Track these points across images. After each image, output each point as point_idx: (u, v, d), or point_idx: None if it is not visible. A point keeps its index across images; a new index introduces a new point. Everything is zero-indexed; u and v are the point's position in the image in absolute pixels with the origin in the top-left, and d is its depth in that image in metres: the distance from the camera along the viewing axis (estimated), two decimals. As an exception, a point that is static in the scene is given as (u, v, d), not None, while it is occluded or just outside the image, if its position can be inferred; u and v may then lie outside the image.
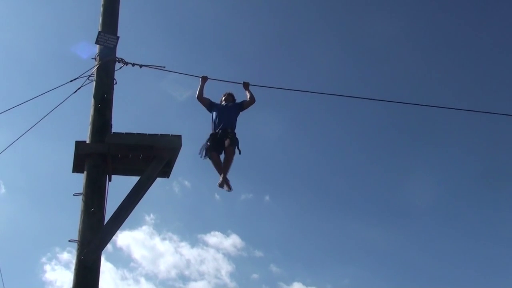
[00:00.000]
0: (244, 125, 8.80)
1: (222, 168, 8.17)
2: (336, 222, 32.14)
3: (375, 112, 31.64)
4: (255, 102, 8.59)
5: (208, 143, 8.34)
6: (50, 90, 7.49)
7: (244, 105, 8.61)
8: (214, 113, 8.58)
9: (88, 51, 7.49)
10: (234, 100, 8.86)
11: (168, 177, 7.43)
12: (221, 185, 8.10)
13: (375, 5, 31.52)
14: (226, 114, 8.54)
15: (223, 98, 8.86)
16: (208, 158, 8.27)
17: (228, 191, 8.16)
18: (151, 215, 31.35)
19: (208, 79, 8.62)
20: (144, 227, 31.89)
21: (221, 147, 8.27)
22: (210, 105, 8.67)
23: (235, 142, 8.21)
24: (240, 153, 8.20)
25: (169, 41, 31.16)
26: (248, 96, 8.61)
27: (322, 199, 33.23)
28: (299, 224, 32.36)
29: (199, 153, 8.41)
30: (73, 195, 6.60)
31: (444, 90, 31.75)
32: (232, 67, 30.76)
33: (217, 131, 8.37)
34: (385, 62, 32.91)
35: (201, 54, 31.03)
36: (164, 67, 7.81)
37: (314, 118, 32.82)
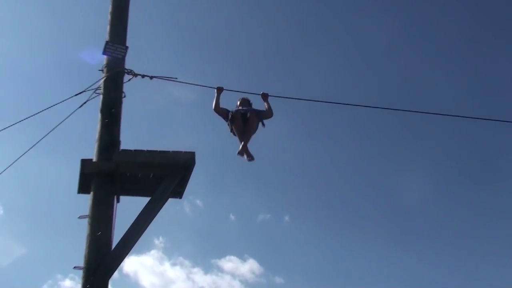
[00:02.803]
0: (261, 138, 8.68)
1: (244, 135, 8.23)
2: (359, 244, 30.24)
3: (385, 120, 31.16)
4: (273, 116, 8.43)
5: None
6: (55, 105, 7.31)
7: (262, 115, 8.42)
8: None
9: (96, 58, 7.25)
10: (250, 104, 8.70)
11: (180, 197, 7.21)
12: (240, 153, 8.22)
13: (376, 8, 31.24)
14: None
15: (238, 103, 8.70)
16: (230, 123, 8.32)
17: (248, 160, 8.22)
18: (160, 238, 29.94)
19: (224, 90, 8.37)
20: (152, 252, 30.34)
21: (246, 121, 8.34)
22: (227, 115, 8.46)
23: (259, 114, 8.33)
24: (264, 126, 8.33)
25: (170, 50, 30.70)
26: (267, 109, 8.44)
27: (344, 219, 31.51)
28: (322, 246, 30.72)
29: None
30: (78, 217, 6.44)
31: (443, 91, 31.31)
32: (234, 74, 30.25)
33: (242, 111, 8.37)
34: (382, 64, 32.43)
35: (200, 59, 30.67)
36: (176, 78, 7.60)
37: (328, 129, 32.09)
